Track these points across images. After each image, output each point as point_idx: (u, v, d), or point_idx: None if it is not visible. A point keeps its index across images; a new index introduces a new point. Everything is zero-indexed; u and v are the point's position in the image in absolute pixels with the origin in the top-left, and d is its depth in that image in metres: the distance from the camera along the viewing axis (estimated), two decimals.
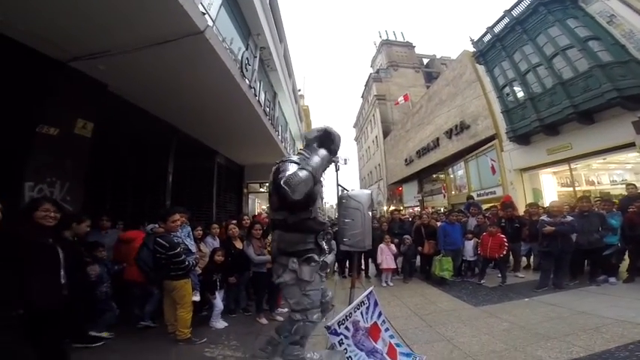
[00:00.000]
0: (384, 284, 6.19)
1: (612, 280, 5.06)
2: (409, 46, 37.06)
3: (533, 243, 6.11)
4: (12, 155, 3.29)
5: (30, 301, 2.10)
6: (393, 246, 6.41)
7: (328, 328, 2.20)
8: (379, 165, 30.23)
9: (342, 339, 2.24)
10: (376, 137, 31.25)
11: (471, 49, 13.26)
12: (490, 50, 12.00)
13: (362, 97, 39.03)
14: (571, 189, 10.73)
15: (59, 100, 3.69)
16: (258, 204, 17.11)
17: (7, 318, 1.91)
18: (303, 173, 1.66)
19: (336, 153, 2.02)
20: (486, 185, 13.87)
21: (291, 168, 1.77)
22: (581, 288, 5.01)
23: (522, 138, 11.12)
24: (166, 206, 5.67)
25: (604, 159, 9.76)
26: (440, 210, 12.25)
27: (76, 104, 3.88)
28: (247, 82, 5.31)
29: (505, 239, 5.79)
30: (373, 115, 32.30)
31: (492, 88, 12.25)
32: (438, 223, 6.73)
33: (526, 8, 10.24)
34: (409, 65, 34.22)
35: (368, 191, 2.65)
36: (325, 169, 1.98)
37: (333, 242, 2.48)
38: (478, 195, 13.88)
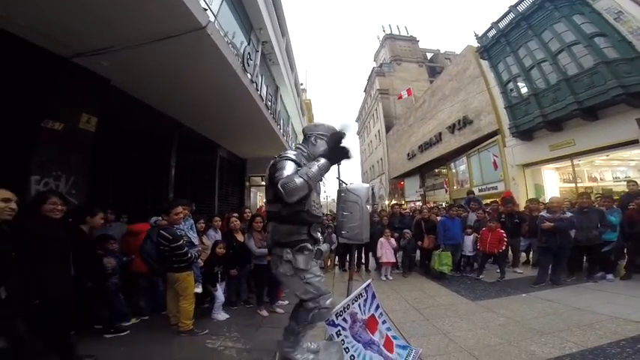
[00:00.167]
0: (384, 278, 6.27)
1: (610, 276, 5.09)
2: (413, 40, 36.65)
3: (532, 239, 6.14)
4: (18, 149, 3.35)
5: (42, 293, 2.18)
6: (393, 240, 6.47)
7: (326, 319, 2.27)
8: (381, 159, 30.20)
9: (339, 330, 2.30)
10: (378, 131, 31.17)
11: (475, 44, 13.15)
12: (494, 46, 11.89)
13: (364, 91, 38.79)
14: (573, 185, 10.72)
15: (63, 95, 3.73)
16: (260, 197, 17.19)
17: (25, 308, 1.99)
18: (299, 181, 1.69)
19: (339, 162, 2.01)
20: (488, 180, 13.86)
21: (288, 167, 1.80)
22: (578, 284, 5.06)
23: (525, 134, 11.07)
24: (169, 199, 5.75)
25: (607, 156, 9.72)
26: (442, 205, 12.28)
27: (80, 99, 3.92)
28: (249, 76, 5.32)
29: (504, 234, 5.82)
30: (376, 110, 32.17)
31: (496, 83, 12.17)
32: (438, 218, 6.77)
33: (532, 4, 10.12)
34: (413, 60, 33.89)
35: (366, 185, 2.70)
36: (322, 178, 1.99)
37: (334, 236, 2.54)
38: (480, 190, 13.90)
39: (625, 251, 5.42)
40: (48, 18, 3.09)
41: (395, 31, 38.02)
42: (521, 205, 8.09)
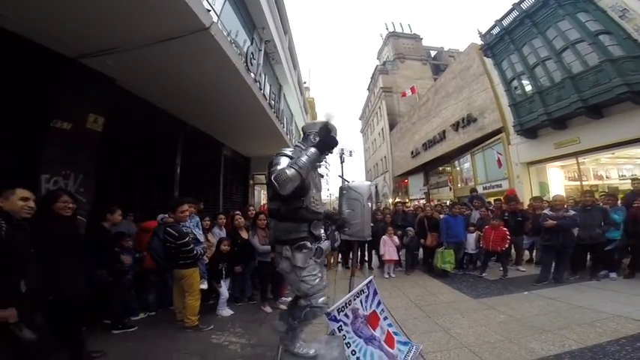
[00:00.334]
0: (386, 275, 6.30)
1: (613, 275, 5.09)
2: (416, 38, 36.47)
3: (536, 237, 6.13)
4: (29, 149, 3.44)
5: (57, 289, 2.26)
6: (395, 238, 6.49)
7: (328, 314, 2.32)
8: (385, 157, 30.17)
9: (341, 325, 2.36)
10: (382, 129, 31.11)
11: (479, 41, 13.07)
12: (498, 43, 11.84)
13: (368, 89, 38.71)
14: (578, 183, 10.65)
15: (71, 95, 3.81)
16: (264, 195, 17.29)
17: (41, 303, 2.08)
18: (290, 172, 1.75)
19: (328, 151, 2.08)
20: (492, 178, 13.82)
21: (283, 162, 1.86)
22: (581, 282, 5.06)
23: (529, 131, 11.03)
24: (175, 198, 5.84)
25: (613, 153, 9.66)
26: (446, 203, 12.28)
27: (87, 99, 4.00)
28: (252, 75, 5.38)
29: (507, 232, 5.83)
30: (379, 108, 32.10)
31: (500, 81, 12.12)
32: (441, 216, 6.78)
33: (536, 1, 10.08)
34: (416, 57, 33.75)
35: (368, 183, 2.76)
36: (315, 166, 2.06)
37: (337, 233, 2.59)
38: (484, 188, 13.87)
39: (629, 250, 5.39)
40: (55, 20, 3.15)
41: (398, 29, 37.88)
42: (526, 203, 8.07)
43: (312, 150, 1.92)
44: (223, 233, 4.70)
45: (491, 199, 9.26)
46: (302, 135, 2.35)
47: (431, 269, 6.47)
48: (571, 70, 9.09)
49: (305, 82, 22.77)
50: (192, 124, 6.80)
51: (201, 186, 7.72)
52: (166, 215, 3.83)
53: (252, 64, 5.24)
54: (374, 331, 2.62)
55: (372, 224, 3.76)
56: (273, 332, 2.65)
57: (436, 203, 11.22)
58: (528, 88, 10.88)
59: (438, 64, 33.07)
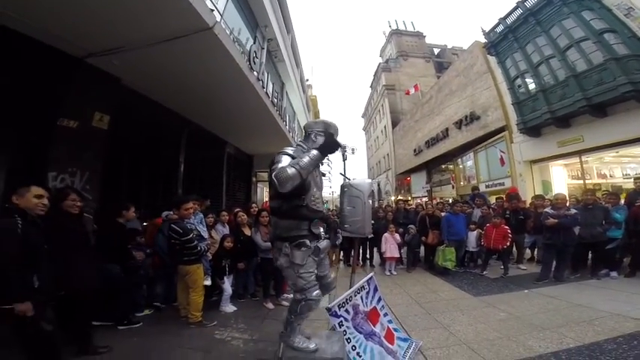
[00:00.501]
0: (388, 273, 6.35)
1: (614, 274, 5.10)
2: (419, 35, 36.22)
3: (537, 235, 6.13)
4: (37, 147, 3.51)
5: (69, 284, 2.34)
6: (397, 235, 6.53)
7: (329, 310, 2.38)
8: (388, 155, 30.14)
9: (341, 321, 2.41)
10: (385, 127, 31.06)
11: (483, 39, 13.00)
12: (502, 41, 11.77)
13: (371, 86, 38.60)
14: (582, 182, 10.61)
15: (78, 94, 3.88)
16: (267, 192, 17.36)
17: (52, 298, 2.16)
18: (291, 171, 1.80)
19: (330, 154, 2.13)
20: (495, 176, 13.80)
21: (284, 161, 1.90)
22: (581, 281, 5.08)
23: (533, 130, 10.99)
24: (178, 195, 5.91)
25: (616, 152, 9.61)
26: (449, 200, 12.29)
27: (92, 98, 4.07)
28: (255, 74, 5.42)
29: (509, 231, 5.85)
30: (382, 105, 32.02)
31: (503, 79, 12.07)
32: (443, 214, 6.81)
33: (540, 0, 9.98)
34: (419, 55, 33.55)
35: (369, 180, 2.80)
36: (315, 167, 2.12)
37: (339, 231, 2.63)
38: (487, 186, 13.86)
39: (630, 249, 5.39)
40: (60, 19, 3.20)
41: (401, 27, 37.59)
42: (529, 201, 8.07)
43: (315, 152, 1.97)
44: (226, 230, 4.76)
45: (494, 198, 9.28)
46: (304, 133, 2.39)
47: (432, 267, 6.51)
48: (575, 68, 9.03)
49: (307, 80, 22.79)
50: (196, 123, 6.86)
51: (205, 183, 7.79)
52: (171, 212, 3.90)
53: (254, 63, 5.28)
54: (374, 327, 2.67)
55: (373, 222, 3.80)
56: (275, 328, 2.70)
57: (438, 201, 11.26)
58: (532, 86, 10.82)
59: (442, 61, 32.86)
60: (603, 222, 5.12)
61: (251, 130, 7.87)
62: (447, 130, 16.73)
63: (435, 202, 11.84)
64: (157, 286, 4.20)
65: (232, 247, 4.34)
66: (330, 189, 28.26)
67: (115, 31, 3.47)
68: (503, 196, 7.51)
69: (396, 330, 2.93)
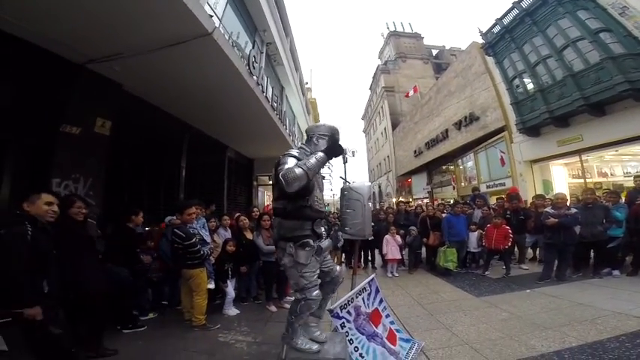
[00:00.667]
0: (390, 275, 6.36)
1: (616, 272, 5.09)
2: (417, 37, 36.42)
3: (539, 235, 6.13)
4: (40, 153, 3.55)
5: (79, 287, 2.41)
6: (398, 237, 6.54)
7: (331, 311, 2.40)
8: (388, 157, 30.17)
9: (343, 322, 2.43)
10: (385, 129, 31.13)
11: (480, 40, 13.07)
12: (499, 42, 11.84)
13: (370, 89, 38.73)
14: (582, 181, 10.61)
15: (80, 100, 3.93)
16: (268, 196, 17.39)
17: (62, 302, 2.21)
18: (298, 171, 1.84)
19: (336, 156, 2.17)
20: (496, 177, 13.81)
21: (290, 162, 1.95)
22: (583, 280, 5.07)
23: (532, 130, 11.02)
24: (180, 200, 5.94)
25: (616, 151, 9.62)
26: (450, 201, 12.31)
27: (94, 104, 4.12)
28: (255, 79, 5.46)
29: (510, 231, 5.86)
30: (381, 107, 32.11)
31: (502, 79, 12.12)
32: (443, 215, 6.82)
33: (535, 0, 10.05)
34: (418, 56, 33.71)
35: (368, 183, 2.83)
36: (320, 169, 2.17)
37: (340, 233, 2.65)
38: (488, 187, 13.87)
39: (632, 247, 5.38)
40: (63, 28, 3.26)
41: (399, 28, 37.86)
42: (530, 201, 8.07)
43: (321, 154, 2.01)
44: (228, 234, 4.79)
45: (495, 198, 9.29)
46: (305, 137, 2.42)
47: (434, 268, 6.52)
48: (572, 68, 9.07)
49: (307, 83, 22.90)
50: (196, 127, 6.91)
51: (206, 188, 7.82)
52: (174, 217, 3.93)
53: (254, 68, 5.32)
54: (376, 328, 2.68)
55: (373, 224, 3.83)
56: (278, 330, 2.73)
57: (439, 202, 11.28)
58: (530, 86, 10.87)
59: (440, 62, 33.00)
60: (604, 221, 5.12)
61: (251, 135, 7.92)
62: (446, 131, 16.76)
63: (436, 203, 11.86)
64: (163, 288, 4.26)
65: (235, 251, 4.37)
66: (331, 191, 28.31)
67: (115, 37, 3.52)
68: (504, 197, 7.52)
69: (398, 331, 2.95)
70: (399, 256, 6.57)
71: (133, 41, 3.61)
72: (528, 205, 7.37)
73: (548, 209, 5.42)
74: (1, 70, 3.24)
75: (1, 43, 3.13)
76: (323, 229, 2.32)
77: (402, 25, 38.63)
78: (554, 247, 5.17)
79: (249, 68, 5.17)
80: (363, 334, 2.51)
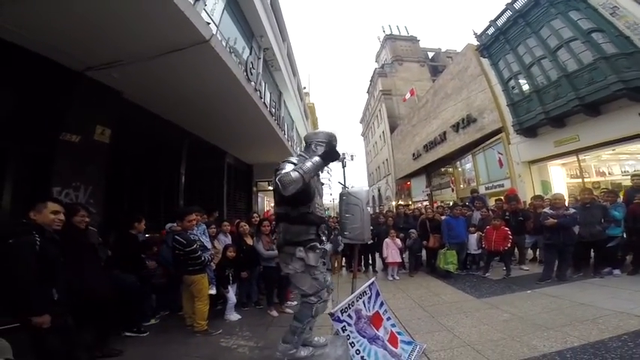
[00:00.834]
0: (390, 278, 6.36)
1: (616, 272, 5.09)
2: (413, 40, 36.71)
3: (538, 235, 6.14)
4: (40, 161, 3.57)
5: (85, 293, 2.48)
6: (398, 240, 6.56)
7: (332, 315, 2.40)
8: (387, 160, 30.21)
9: (344, 326, 2.44)
10: (383, 132, 31.20)
11: (475, 42, 13.16)
12: (494, 43, 11.92)
13: (367, 92, 38.90)
14: (580, 180, 10.64)
15: (79, 108, 3.96)
16: (267, 202, 17.38)
17: (72, 306, 2.26)
18: (294, 174, 1.88)
19: (332, 161, 2.21)
20: (495, 178, 13.83)
21: (287, 168, 1.98)
22: (584, 280, 5.07)
23: (529, 130, 11.06)
24: (180, 206, 5.95)
25: (613, 150, 9.65)
26: (449, 204, 12.32)
27: (94, 111, 4.14)
28: (253, 85, 5.50)
29: (509, 232, 5.87)
30: (379, 111, 32.23)
31: (497, 81, 12.19)
32: (443, 217, 6.84)
33: (528, 1, 10.15)
34: (414, 59, 33.94)
35: (366, 188, 2.85)
36: (317, 173, 2.25)
37: (340, 238, 2.67)
38: (487, 188, 13.88)
39: (631, 246, 5.39)
40: (62, 36, 3.30)
41: (395, 32, 38.16)
42: (529, 202, 8.09)
43: (317, 159, 2.06)
44: (229, 240, 4.79)
45: (494, 199, 9.31)
46: (304, 144, 2.46)
47: (434, 270, 6.52)
48: (566, 68, 9.14)
49: (305, 88, 22.99)
50: (195, 134, 6.94)
51: (206, 194, 7.83)
52: (174, 224, 3.95)
53: (251, 74, 5.37)
54: (377, 331, 2.69)
55: (372, 227, 3.86)
56: (280, 335, 2.73)
57: (438, 205, 11.30)
58: (525, 87, 10.93)
59: (436, 65, 33.22)
60: (602, 220, 5.14)
61: (250, 140, 7.95)
62: (444, 133, 16.82)
63: (435, 205, 11.88)
64: (165, 294, 4.29)
65: (235, 257, 4.37)
66: (330, 196, 28.27)
67: (113, 45, 3.56)
68: (503, 198, 7.55)
69: (399, 333, 2.95)
70: (399, 260, 6.58)
71: (132, 48, 3.65)
72: (527, 206, 7.38)
73: (547, 210, 5.43)
74: (1, 77, 3.26)
75: (1, 51, 3.16)
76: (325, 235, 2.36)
77: (398, 29, 39.01)
78: (554, 248, 5.18)
79: (247, 74, 5.21)
80: (364, 337, 2.51)
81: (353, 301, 2.61)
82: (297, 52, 15.35)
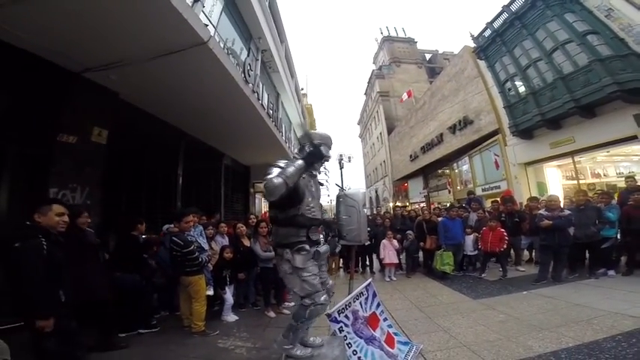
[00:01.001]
0: (388, 279, 6.37)
1: (611, 273, 5.14)
2: (411, 41, 36.81)
3: (534, 237, 6.18)
4: (37, 162, 3.56)
5: (87, 294, 2.54)
6: (395, 242, 6.58)
7: (329, 316, 2.41)
8: (384, 161, 30.27)
9: (342, 326, 2.45)
10: (380, 134, 31.26)
11: (472, 44, 13.24)
12: (490, 45, 11.99)
13: (365, 94, 38.97)
14: (576, 182, 10.72)
15: (76, 109, 3.96)
16: (265, 203, 17.36)
17: (74, 307, 2.27)
18: (277, 180, 1.90)
19: (317, 162, 2.25)
20: (491, 180, 13.89)
21: (274, 172, 2.00)
22: (579, 281, 5.11)
23: (525, 132, 11.12)
24: (177, 208, 5.94)
25: (608, 152, 9.74)
26: (446, 205, 12.35)
27: (91, 113, 4.14)
28: (250, 86, 5.51)
29: (505, 233, 5.91)
30: (377, 112, 32.31)
31: (494, 83, 12.26)
32: (439, 219, 6.87)
33: (524, 3, 10.22)
34: (411, 61, 34.03)
35: (363, 190, 2.87)
36: (313, 174, 2.31)
37: (336, 239, 2.68)
38: (483, 190, 13.94)
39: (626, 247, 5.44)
40: (59, 37, 3.31)
41: (393, 33, 38.19)
42: (525, 203, 8.14)
43: (300, 162, 2.08)
44: (226, 241, 4.80)
45: (490, 201, 9.35)
46: (299, 146, 2.49)
47: (431, 271, 6.54)
48: (562, 70, 9.21)
49: (302, 89, 23.03)
50: (193, 135, 6.94)
51: (203, 195, 7.82)
52: (171, 225, 3.95)
53: (249, 75, 5.38)
54: (374, 331, 2.70)
55: (369, 229, 3.87)
56: (277, 335, 2.75)
57: (435, 206, 11.34)
58: (522, 89, 11.00)
59: (434, 67, 33.33)
60: (597, 222, 5.19)
61: (248, 142, 7.96)
62: (441, 135, 16.88)
63: (432, 207, 11.91)
64: (163, 295, 4.33)
65: (232, 258, 4.37)
66: (327, 197, 28.31)
67: (112, 47, 3.57)
68: (499, 200, 7.60)
69: (396, 334, 2.96)
70: (396, 261, 6.60)
71: (130, 50, 3.66)
72: (523, 208, 7.43)
73: (542, 211, 5.47)
74: None
75: None
76: (320, 236, 2.35)
77: (396, 30, 39.03)
78: (549, 249, 5.22)
79: (245, 76, 5.22)
80: (361, 337, 2.52)
81: (350, 302, 2.63)
82: (294, 53, 15.37)
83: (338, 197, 2.61)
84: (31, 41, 3.32)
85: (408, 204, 22.39)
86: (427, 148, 18.78)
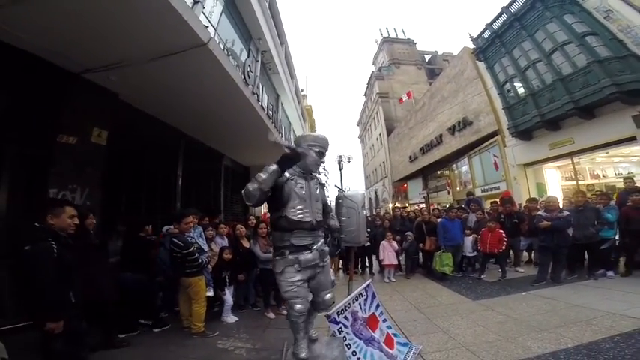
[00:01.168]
0: (387, 280, 6.38)
1: (610, 273, 5.15)
2: (410, 43, 36.87)
3: (533, 238, 6.20)
4: (37, 163, 3.57)
5: (94, 294, 2.59)
6: (395, 243, 6.59)
7: (328, 316, 2.42)
8: (384, 163, 30.27)
9: (341, 327, 2.45)
10: (380, 135, 31.28)
11: (471, 45, 13.26)
12: (490, 47, 12.01)
13: (365, 95, 39.01)
14: (575, 183, 10.74)
15: (76, 110, 3.97)
16: (264, 205, 17.31)
17: (80, 307, 2.29)
18: (252, 187, 1.96)
19: (289, 167, 2.20)
20: (490, 181, 13.90)
21: (258, 177, 2.02)
22: (578, 282, 5.12)
23: (524, 133, 11.13)
24: (177, 209, 5.94)
25: (607, 153, 9.75)
26: (446, 206, 12.35)
27: (91, 113, 4.15)
28: (250, 88, 5.52)
29: (504, 234, 5.92)
30: (376, 113, 32.33)
31: (493, 84, 12.27)
32: (439, 220, 6.88)
33: (523, 5, 10.24)
34: (411, 62, 34.07)
35: (362, 192, 2.88)
36: (310, 177, 2.31)
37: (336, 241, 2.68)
38: (483, 191, 13.94)
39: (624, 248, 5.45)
40: (58, 37, 3.31)
41: (392, 34, 38.25)
42: (524, 204, 8.15)
43: (272, 167, 2.05)
44: (225, 242, 4.80)
45: (489, 202, 9.36)
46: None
47: (430, 272, 6.55)
48: (561, 71, 9.22)
49: (302, 90, 23.06)
50: (192, 137, 6.95)
51: (202, 197, 7.82)
52: (171, 227, 3.96)
53: (249, 77, 5.39)
54: (373, 332, 2.70)
55: (368, 230, 3.88)
56: (277, 337, 2.75)
57: (435, 207, 11.35)
58: (521, 90, 11.01)
59: (433, 68, 33.37)
60: (595, 222, 5.21)
61: (247, 143, 7.96)
62: (440, 136, 16.89)
63: (431, 208, 11.92)
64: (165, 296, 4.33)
65: (232, 259, 4.38)
66: (327, 199, 28.28)
67: (112, 48, 3.58)
68: (498, 201, 7.61)
69: (395, 335, 2.97)
70: (395, 262, 6.61)
71: (130, 51, 3.67)
72: (522, 209, 7.45)
73: (541, 212, 5.49)
74: None
75: None
76: (307, 242, 2.19)
77: (396, 32, 39.07)
78: (548, 250, 5.23)
79: (245, 77, 5.23)
80: (360, 338, 2.53)
81: (349, 303, 2.63)
82: (294, 54, 15.40)
83: (337, 199, 2.62)
84: (31, 42, 3.33)
85: (407, 205, 22.39)
86: (427, 149, 18.79)
